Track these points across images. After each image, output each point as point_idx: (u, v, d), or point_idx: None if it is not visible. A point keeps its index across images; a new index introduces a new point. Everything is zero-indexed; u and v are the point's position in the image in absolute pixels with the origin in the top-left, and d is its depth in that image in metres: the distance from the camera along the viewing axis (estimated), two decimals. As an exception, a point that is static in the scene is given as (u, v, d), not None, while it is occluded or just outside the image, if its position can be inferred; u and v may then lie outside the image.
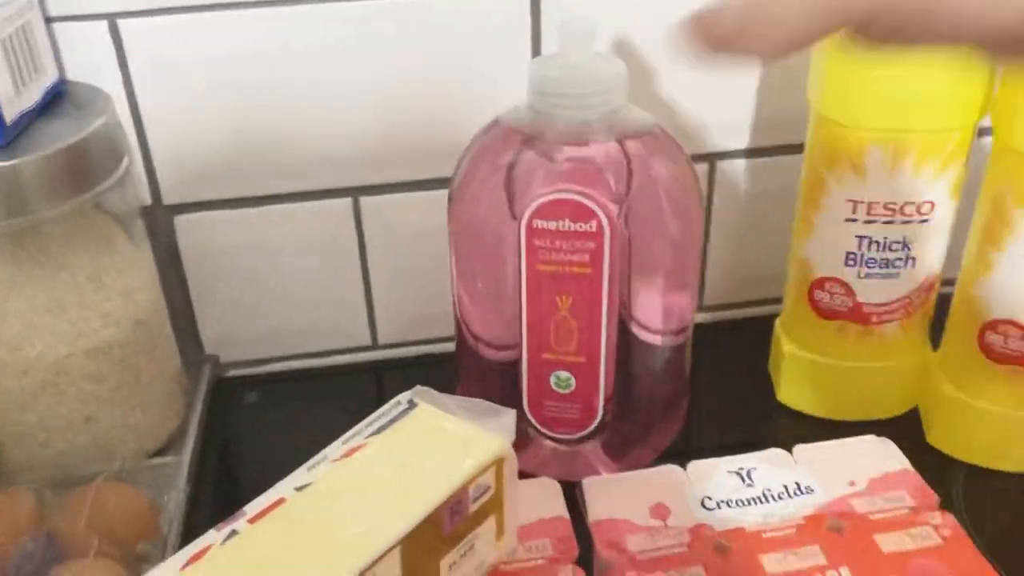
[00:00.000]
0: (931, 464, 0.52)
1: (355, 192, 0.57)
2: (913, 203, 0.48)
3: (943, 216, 0.49)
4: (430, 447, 0.39)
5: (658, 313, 0.48)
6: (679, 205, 0.47)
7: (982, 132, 0.48)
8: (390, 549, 0.34)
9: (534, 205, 0.44)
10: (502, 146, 0.46)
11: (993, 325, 0.48)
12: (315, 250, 0.58)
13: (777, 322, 0.57)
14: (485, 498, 0.39)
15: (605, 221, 0.43)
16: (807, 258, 0.52)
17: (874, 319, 0.52)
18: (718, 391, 0.58)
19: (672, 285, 0.48)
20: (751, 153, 0.60)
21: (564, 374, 0.48)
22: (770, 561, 0.41)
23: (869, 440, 0.48)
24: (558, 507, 0.46)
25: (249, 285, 0.59)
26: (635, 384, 0.49)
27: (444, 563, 0.38)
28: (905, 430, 0.53)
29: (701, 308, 0.65)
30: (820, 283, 0.52)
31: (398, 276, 0.60)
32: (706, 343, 0.55)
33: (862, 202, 0.49)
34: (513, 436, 0.40)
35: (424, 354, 0.63)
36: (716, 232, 0.62)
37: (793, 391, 0.56)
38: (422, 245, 0.59)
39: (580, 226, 0.44)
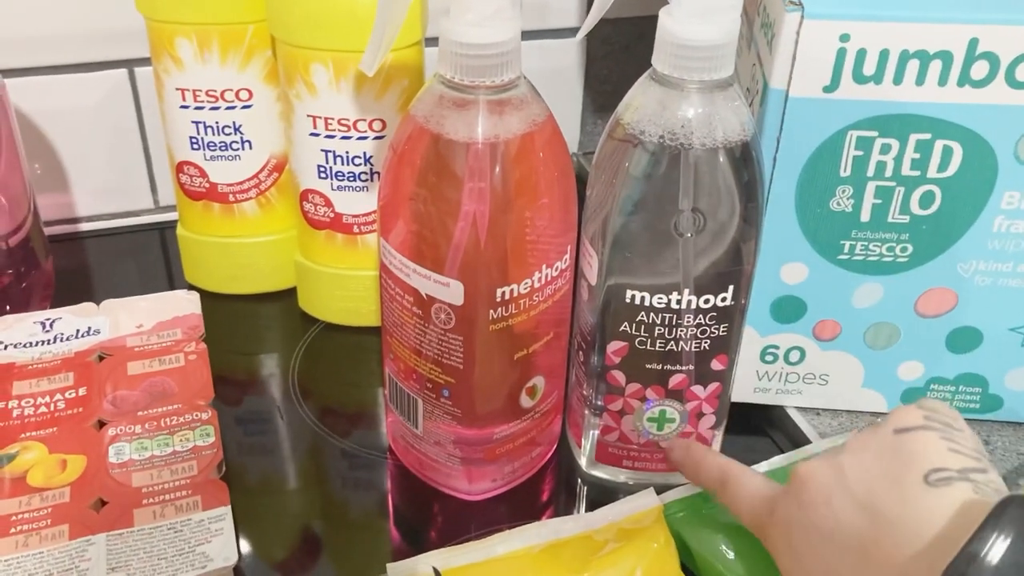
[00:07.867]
0: (296, 325, 0.59)
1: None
2: (232, 90, 0.55)
3: (264, 101, 0.56)
4: None
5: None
6: None
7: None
8: None
9: None
10: None
11: (304, 195, 0.55)
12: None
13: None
14: None
15: None
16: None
17: (231, 198, 0.58)
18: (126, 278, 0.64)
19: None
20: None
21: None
22: (21, 385, 0.47)
23: (179, 294, 0.54)
24: None
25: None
26: None
27: None
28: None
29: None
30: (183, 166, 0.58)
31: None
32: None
33: (188, 89, 0.55)
34: None
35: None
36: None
37: (193, 271, 0.62)
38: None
39: None
